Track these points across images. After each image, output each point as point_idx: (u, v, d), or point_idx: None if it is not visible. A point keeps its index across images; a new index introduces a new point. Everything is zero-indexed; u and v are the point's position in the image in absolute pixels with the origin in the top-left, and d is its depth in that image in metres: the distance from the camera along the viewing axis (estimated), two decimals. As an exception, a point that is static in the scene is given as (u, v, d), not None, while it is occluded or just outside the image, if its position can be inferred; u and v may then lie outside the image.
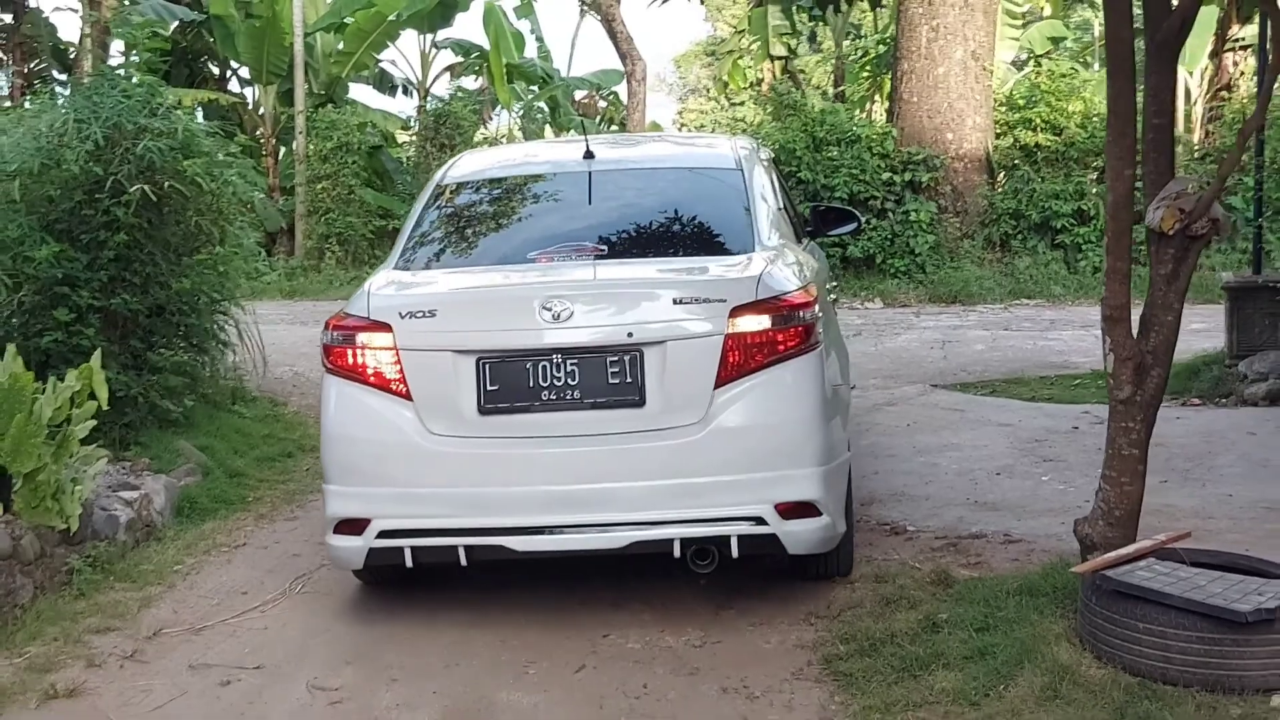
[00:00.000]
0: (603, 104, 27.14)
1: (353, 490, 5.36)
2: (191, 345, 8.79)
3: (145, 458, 7.60)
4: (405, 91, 23.80)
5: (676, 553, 5.19)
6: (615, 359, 5.16)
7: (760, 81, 28.34)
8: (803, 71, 27.58)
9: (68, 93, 10.62)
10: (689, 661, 5.05)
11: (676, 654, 5.12)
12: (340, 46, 20.76)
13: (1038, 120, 17.65)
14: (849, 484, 5.66)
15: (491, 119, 24.45)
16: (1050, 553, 5.76)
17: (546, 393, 5.19)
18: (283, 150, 21.79)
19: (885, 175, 17.24)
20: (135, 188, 7.75)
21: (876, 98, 24.34)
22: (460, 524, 5.22)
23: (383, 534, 5.29)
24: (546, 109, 24.32)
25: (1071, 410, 9.25)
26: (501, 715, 4.65)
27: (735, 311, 5.12)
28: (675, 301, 5.22)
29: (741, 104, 33.52)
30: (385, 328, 5.32)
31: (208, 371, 9.15)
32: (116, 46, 22.54)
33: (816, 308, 5.32)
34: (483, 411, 5.22)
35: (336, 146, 18.78)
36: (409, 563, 5.31)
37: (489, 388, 5.22)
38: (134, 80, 8.48)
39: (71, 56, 23.89)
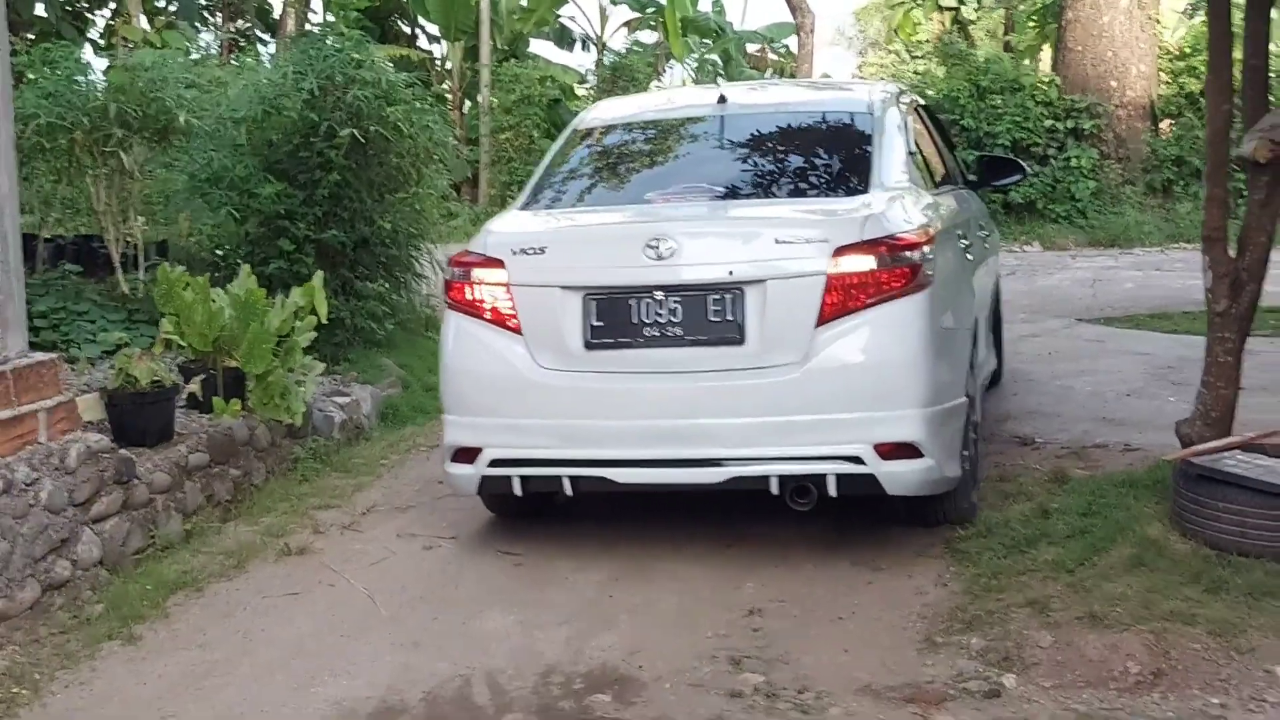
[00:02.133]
0: (774, 56, 27.63)
1: (466, 420, 5.55)
2: (392, 276, 9.77)
3: (354, 371, 8.59)
4: (584, 46, 24.70)
5: (774, 490, 5.26)
6: (716, 297, 5.21)
7: (922, 33, 28.51)
8: (973, 22, 27.66)
9: (272, 51, 11.55)
10: (824, 543, 5.74)
11: (812, 539, 5.76)
12: (523, 3, 21.66)
13: (1203, 68, 17.67)
14: (968, 431, 5.63)
15: (666, 72, 25.16)
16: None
17: (649, 329, 5.28)
18: (468, 104, 22.83)
19: (1048, 122, 17.55)
20: (345, 132, 8.69)
21: (1045, 47, 24.43)
22: (565, 455, 5.37)
23: (494, 463, 5.47)
24: (720, 61, 24.95)
25: (1208, 341, 9.63)
26: (660, 577, 5.42)
27: (839, 251, 5.13)
28: (777, 241, 5.22)
29: (920, 57, 33.51)
30: (499, 264, 5.48)
31: (405, 300, 10.11)
32: (315, 4, 23.92)
33: (928, 249, 5.24)
34: (588, 346, 5.33)
35: (519, 100, 19.70)
36: (518, 490, 5.51)
37: (595, 323, 5.33)
38: (343, 36, 9.40)
39: (275, 17, 25.29)
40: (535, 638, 4.81)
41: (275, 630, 4.97)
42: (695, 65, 25.19)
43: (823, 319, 5.13)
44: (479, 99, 20.95)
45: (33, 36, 21.58)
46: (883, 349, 5.15)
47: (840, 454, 5.16)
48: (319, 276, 7.33)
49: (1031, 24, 25.02)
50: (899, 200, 5.57)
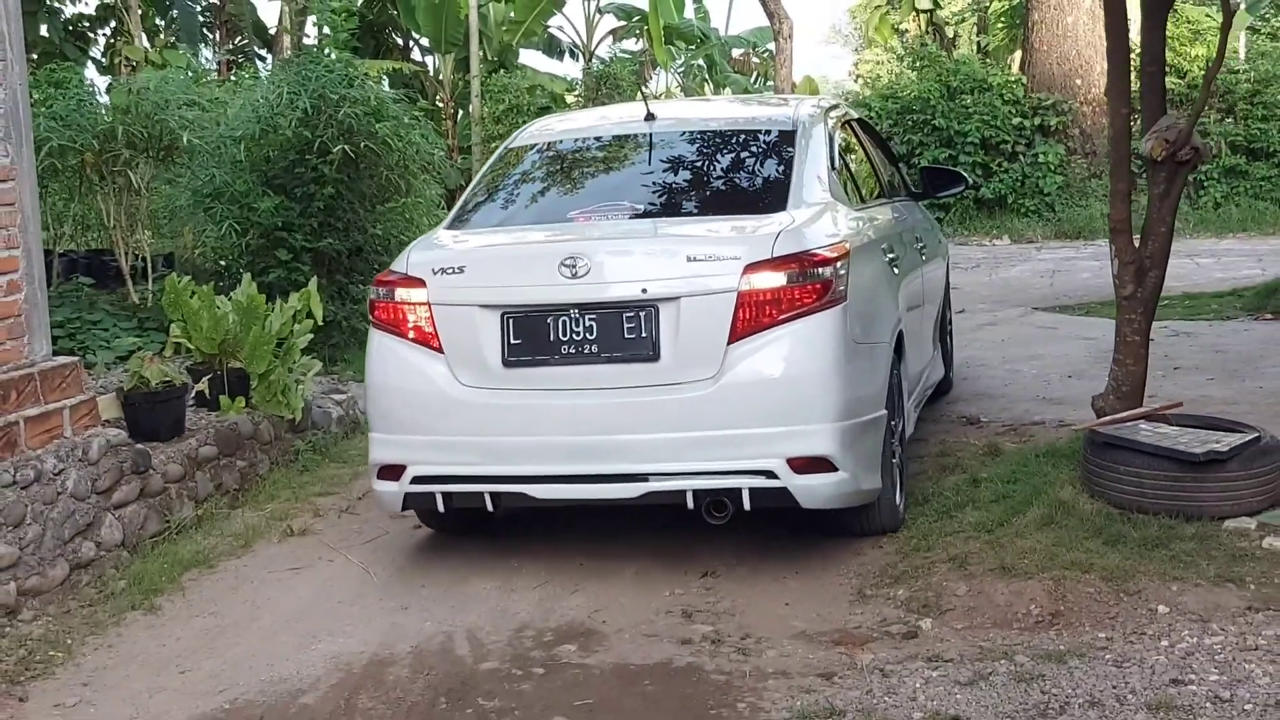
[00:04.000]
0: (757, 60, 28.23)
1: (390, 438, 5.62)
2: (385, 281, 10.35)
3: (349, 370, 9.19)
4: (573, 55, 25.29)
5: (690, 504, 5.31)
6: (631, 314, 5.28)
7: (905, 33, 29.15)
8: (948, 23, 28.29)
9: (269, 69, 12.13)
10: (775, 514, 6.24)
11: (761, 513, 6.31)
12: (511, 15, 22.26)
13: (1163, 65, 18.36)
14: (889, 443, 5.71)
15: (651, 79, 25.74)
16: (1089, 432, 6.92)
17: (566, 346, 5.34)
18: (460, 114, 23.41)
19: (1016, 120, 18.19)
20: (338, 148, 9.30)
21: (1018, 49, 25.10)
22: (485, 471, 5.44)
23: (416, 479, 5.53)
24: (705, 67, 25.54)
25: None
26: (625, 547, 5.99)
27: (749, 268, 5.20)
28: (690, 259, 5.28)
29: (901, 57, 33.86)
30: (419, 283, 5.54)
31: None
32: (312, 21, 24.53)
33: (841, 265, 5.32)
34: (506, 364, 5.40)
35: (508, 109, 20.24)
36: (440, 507, 5.61)
37: (512, 341, 5.39)
38: (333, 56, 10.02)
39: (271, 34, 25.91)
40: (511, 600, 5.38)
41: (279, 599, 5.56)
42: (682, 71, 25.81)
43: (735, 335, 5.20)
44: (470, 109, 21.52)
45: (36, 57, 22.22)
46: (794, 364, 5.22)
47: (753, 468, 5.23)
48: (315, 282, 7.92)
49: (1000, 25, 25.69)
50: (816, 216, 5.65)
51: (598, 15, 24.71)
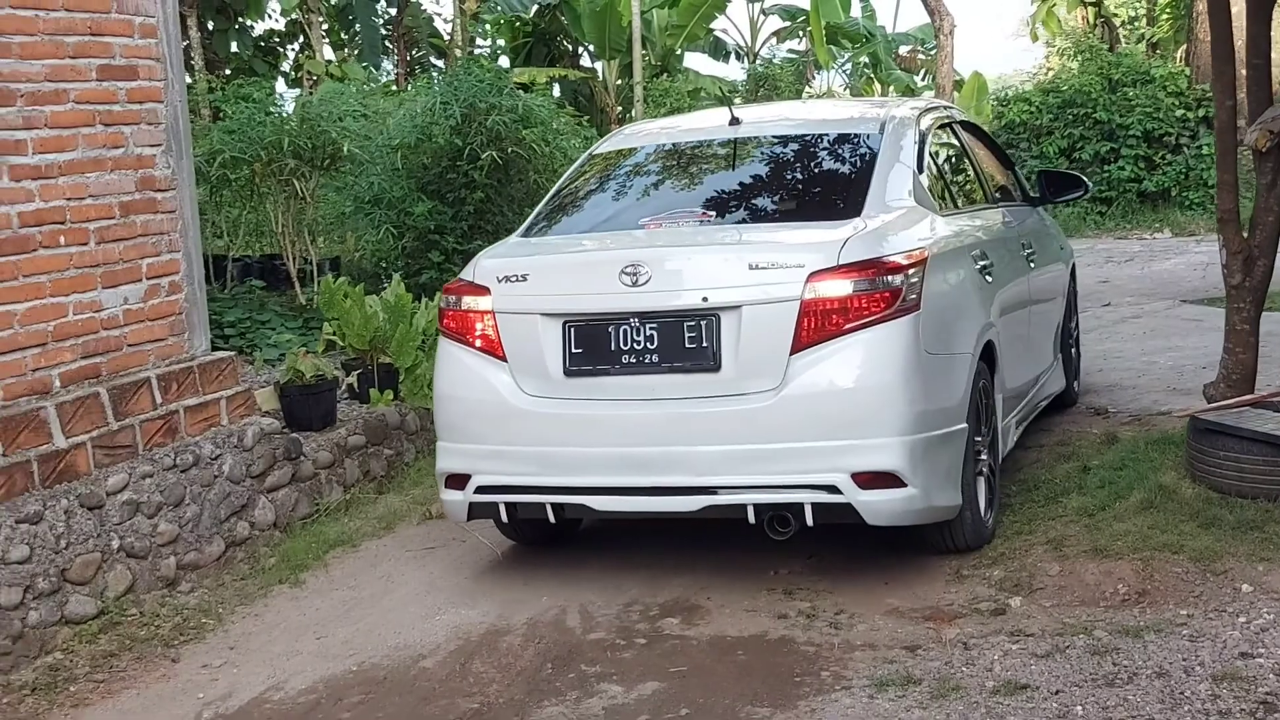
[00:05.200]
0: (923, 57, 28.10)
1: (455, 447, 5.60)
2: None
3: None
4: (738, 57, 25.58)
5: (751, 519, 5.19)
6: (691, 324, 5.19)
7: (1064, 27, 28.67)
8: (1116, 15, 27.73)
9: (440, 78, 12.67)
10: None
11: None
12: (673, 20, 22.66)
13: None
14: (970, 457, 5.50)
15: (814, 78, 25.88)
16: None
17: (626, 356, 5.26)
18: (626, 117, 23.88)
19: (1179, 112, 17.84)
20: (486, 154, 9.75)
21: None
22: (546, 482, 5.39)
23: (480, 489, 5.50)
24: (870, 64, 25.57)
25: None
26: (736, 530, 6.25)
27: (813, 276, 5.07)
28: (752, 267, 5.17)
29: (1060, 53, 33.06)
30: (484, 291, 5.52)
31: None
32: (482, 30, 25.30)
33: (914, 272, 5.16)
34: (568, 374, 5.35)
35: (670, 112, 20.62)
36: (504, 517, 5.61)
37: (574, 350, 5.33)
38: (484, 67, 10.49)
39: (446, 44, 26.76)
40: (623, 578, 5.69)
41: (412, 575, 5.97)
42: (849, 70, 25.88)
43: (799, 345, 5.08)
44: (633, 113, 21.96)
45: (229, 72, 23.40)
46: (860, 375, 5.07)
47: (816, 483, 5.07)
48: (459, 283, 8.35)
49: (1166, 17, 25.12)
50: (893, 223, 5.50)
51: (762, 17, 24.98)
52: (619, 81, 22.93)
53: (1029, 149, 18.50)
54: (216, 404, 6.46)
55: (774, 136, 6.46)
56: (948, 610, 5.07)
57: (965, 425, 5.40)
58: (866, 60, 25.44)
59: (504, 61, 25.48)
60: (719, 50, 25.46)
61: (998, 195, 7.19)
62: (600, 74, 24.44)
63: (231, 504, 6.29)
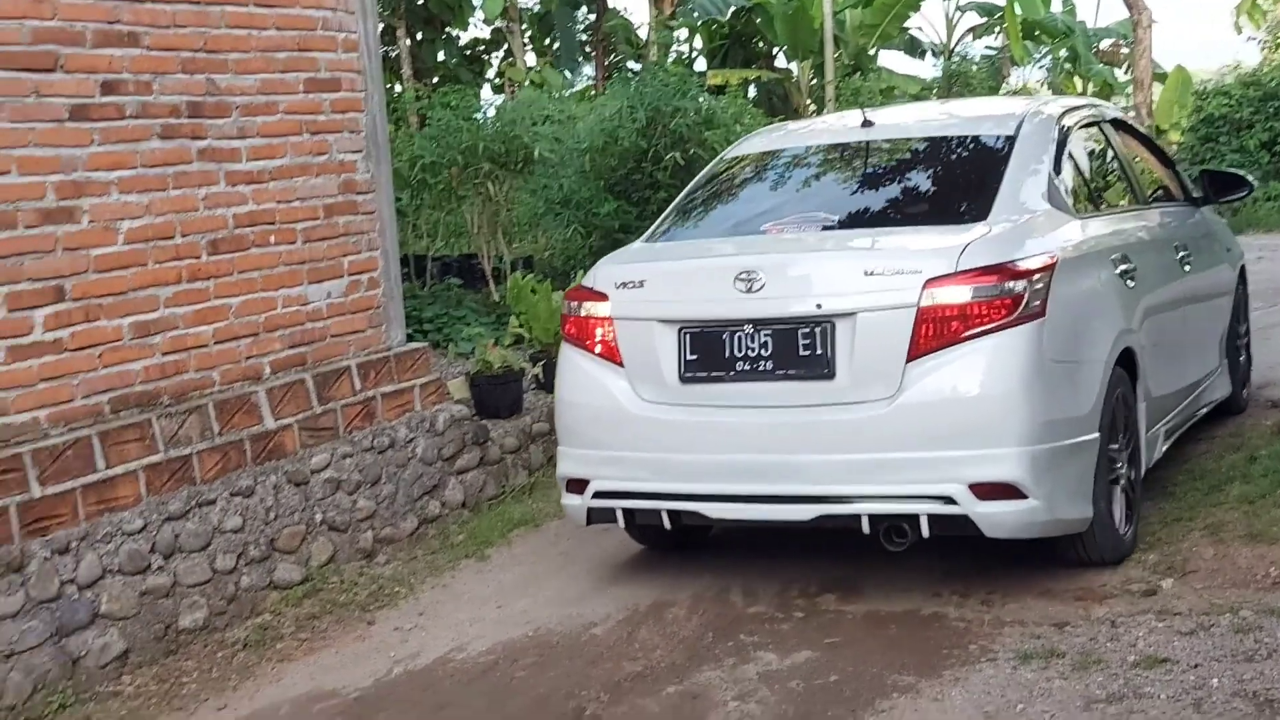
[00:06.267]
0: (1126, 51, 27.47)
1: (575, 452, 5.64)
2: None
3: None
4: (934, 55, 25.47)
5: (866, 529, 5.11)
6: (806, 330, 5.13)
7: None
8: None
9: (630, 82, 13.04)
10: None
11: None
12: (866, 20, 22.70)
13: None
14: (1103, 468, 5.28)
15: (1010, 75, 25.61)
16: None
17: (741, 363, 5.24)
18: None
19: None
20: (670, 155, 10.10)
21: None
22: (660, 488, 5.39)
23: (598, 494, 5.52)
24: (1069, 59, 25.17)
25: None
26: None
27: (931, 282, 4.97)
28: (867, 273, 5.09)
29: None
30: (603, 297, 5.54)
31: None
32: (679, 35, 25.74)
33: (1039, 278, 5.02)
34: (683, 380, 5.34)
35: (862, 112, 20.65)
36: (620, 523, 5.62)
37: (689, 357, 5.32)
38: (669, 71, 10.86)
39: (643, 48, 27.26)
40: (787, 560, 5.92)
41: (588, 552, 6.33)
42: (1050, 65, 25.53)
43: (915, 353, 4.98)
44: (825, 114, 22.10)
45: (436, 80, 24.31)
46: (978, 384, 4.97)
47: (932, 493, 4.98)
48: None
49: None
50: (1020, 226, 5.36)
51: (957, 14, 24.82)
52: (813, 81, 23.07)
53: (1228, 142, 18.06)
54: (411, 391, 6.94)
55: (905, 139, 6.37)
56: (1099, 591, 5.20)
57: (1097, 435, 5.21)
58: (1065, 55, 25.05)
59: (700, 64, 25.86)
60: (914, 48, 25.37)
61: (1153, 196, 6.95)
62: (794, 74, 24.64)
63: (424, 484, 6.76)
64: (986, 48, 25.52)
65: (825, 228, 5.68)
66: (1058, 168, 5.80)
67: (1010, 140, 5.81)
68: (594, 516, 5.63)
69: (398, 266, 7.14)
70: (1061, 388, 5.10)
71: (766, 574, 5.76)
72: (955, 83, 20.66)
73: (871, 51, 23.79)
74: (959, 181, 5.97)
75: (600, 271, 5.74)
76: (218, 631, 5.61)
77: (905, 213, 5.84)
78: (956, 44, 25.12)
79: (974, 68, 21.50)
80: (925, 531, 5.03)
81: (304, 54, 6.56)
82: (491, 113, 11.73)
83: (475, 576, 6.18)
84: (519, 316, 8.30)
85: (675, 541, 6.09)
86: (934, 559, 5.73)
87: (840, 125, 6.85)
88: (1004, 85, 23.80)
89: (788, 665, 4.83)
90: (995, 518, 4.97)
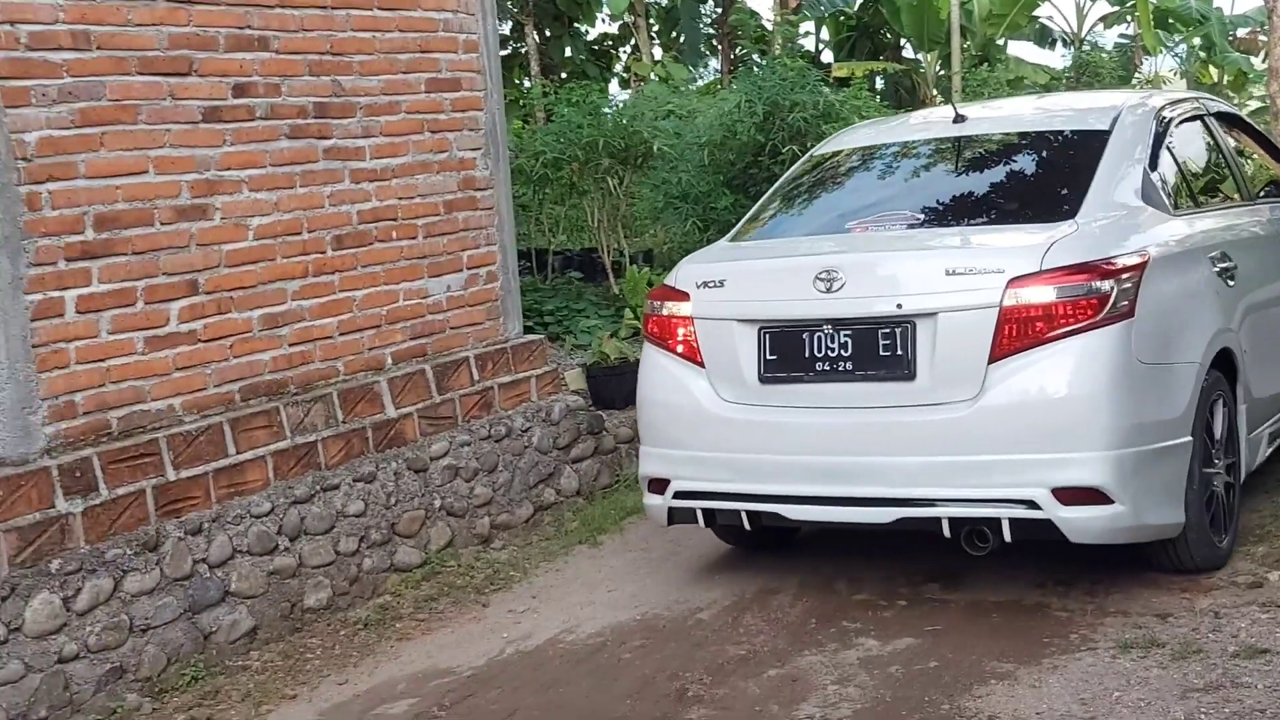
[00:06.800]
0: (1264, 39, 26.75)
1: (656, 451, 5.65)
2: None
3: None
4: (1065, 44, 25.08)
5: (946, 533, 5.04)
6: (886, 331, 5.09)
7: None
8: None
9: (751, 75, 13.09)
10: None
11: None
12: (993, 10, 22.43)
13: None
14: (1195, 473, 5.13)
15: (1142, 64, 25.08)
16: None
17: (820, 363, 5.21)
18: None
19: None
20: (787, 149, 10.14)
21: None
22: (740, 489, 5.37)
23: (678, 494, 5.52)
24: (1204, 47, 24.62)
25: None
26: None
27: (1014, 282, 4.89)
28: (948, 272, 5.01)
29: None
30: (684, 297, 5.54)
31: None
32: (805, 27, 25.71)
33: (1127, 277, 4.91)
34: (763, 380, 5.33)
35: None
36: (701, 523, 5.60)
37: (769, 357, 5.31)
38: (786, 65, 10.91)
39: (768, 41, 27.27)
40: (894, 551, 5.94)
41: (697, 540, 6.43)
42: (1184, 54, 24.99)
43: (997, 354, 4.91)
44: (951, 104, 21.92)
45: (564, 76, 24.60)
46: (1062, 386, 4.88)
47: (1014, 497, 4.88)
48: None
49: None
50: (1111, 224, 5.26)
51: (1089, 2, 24.40)
52: (940, 72, 22.89)
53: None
54: (527, 382, 7.15)
55: (997, 134, 6.26)
56: (1205, 582, 5.20)
57: (1189, 439, 5.08)
58: (1199, 43, 24.52)
59: (827, 56, 25.78)
60: (1044, 38, 25.01)
61: (1263, 192, 6.69)
62: (922, 66, 24.47)
63: (539, 472, 6.95)
64: (1120, 36, 25.02)
65: (910, 226, 5.61)
66: (1154, 163, 5.68)
67: (1105, 135, 5.67)
68: (675, 516, 5.62)
69: (515, 261, 7.34)
70: (1151, 390, 4.99)
71: (871, 565, 5.84)
72: (1084, 73, 20.29)
73: (1000, 41, 23.53)
74: (1050, 178, 5.86)
75: (682, 271, 5.74)
76: (340, 611, 5.85)
77: (993, 210, 5.75)
78: (1087, 33, 24.69)
79: (1104, 57, 21.05)
80: (1007, 536, 4.95)
81: (426, 55, 6.79)
82: (616, 108, 11.88)
83: (588, 562, 6.35)
84: (635, 309, 8.45)
85: (758, 542, 6.08)
86: (1039, 551, 5.74)
87: (932, 120, 6.74)
88: (1135, 75, 23.33)
89: (888, 651, 4.92)
90: (1079, 523, 4.87)
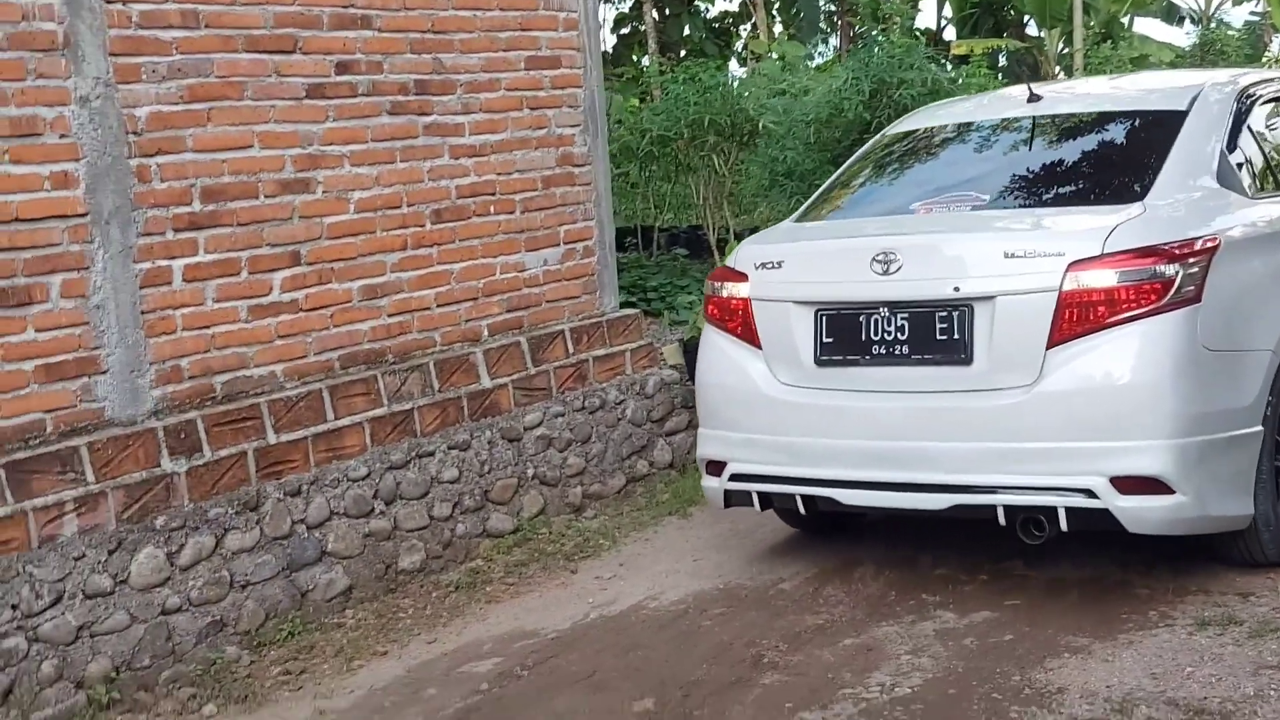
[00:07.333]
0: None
1: (713, 433, 5.61)
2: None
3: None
4: (1193, 21, 24.57)
5: (1001, 520, 4.93)
6: (943, 314, 5.00)
7: None
8: None
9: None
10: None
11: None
12: (1119, -13, 22.10)
13: None
14: (1269, 462, 5.01)
15: (1271, 41, 24.43)
16: None
17: (876, 346, 5.14)
18: (1071, 87, 23.42)
19: None
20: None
21: None
22: (795, 472, 5.31)
23: (734, 477, 5.49)
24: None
25: None
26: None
27: (1074, 265, 4.78)
28: (1007, 255, 4.92)
29: None
30: (743, 278, 5.50)
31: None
32: (925, 4, 25.46)
33: (1194, 262, 4.78)
34: (819, 363, 5.27)
35: (1108, 81, 20.10)
36: (756, 506, 5.54)
37: (825, 339, 5.25)
38: (894, 43, 10.87)
39: (886, 19, 27.05)
40: (972, 530, 5.78)
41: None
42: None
43: (1056, 339, 4.80)
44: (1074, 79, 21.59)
45: (683, 54, 24.68)
46: (1123, 372, 4.76)
47: (1071, 485, 4.78)
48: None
49: None
50: (1181, 207, 5.12)
51: (1217, -23, 23.90)
52: (1063, 50, 22.56)
53: None
54: (622, 355, 7.26)
55: (1070, 114, 6.11)
56: (1283, 569, 5.17)
57: (1260, 429, 4.93)
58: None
59: (950, 34, 25.51)
60: (1171, 15, 24.55)
61: None
62: (1044, 43, 24.12)
63: (632, 444, 7.08)
64: (1250, 13, 24.42)
65: (975, 207, 5.47)
66: (1232, 145, 5.49)
67: (1182, 116, 5.50)
68: (732, 499, 5.57)
69: (612, 236, 7.46)
70: (1218, 378, 4.85)
71: (954, 541, 5.84)
72: (1210, 51, 19.84)
73: (1125, 19, 23.11)
74: (1122, 159, 5.68)
75: (742, 252, 5.71)
76: (433, 574, 6.03)
77: (1061, 192, 5.63)
78: (1215, 10, 24.16)
79: (1231, 35, 20.56)
80: (1064, 525, 4.83)
81: (525, 33, 6.92)
82: (723, 86, 11.92)
83: (676, 532, 6.46)
84: (734, 285, 8.51)
85: (818, 527, 6.06)
86: (1123, 543, 5.71)
87: (1007, 100, 6.54)
88: (1265, 54, 22.75)
89: (965, 624, 4.96)
90: (1138, 513, 4.75)
